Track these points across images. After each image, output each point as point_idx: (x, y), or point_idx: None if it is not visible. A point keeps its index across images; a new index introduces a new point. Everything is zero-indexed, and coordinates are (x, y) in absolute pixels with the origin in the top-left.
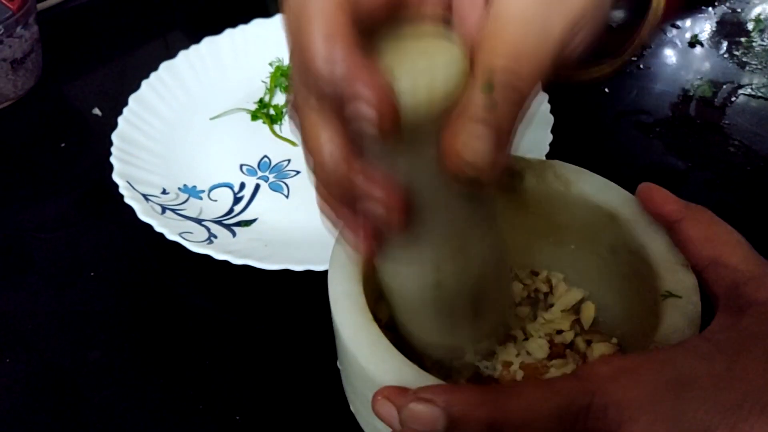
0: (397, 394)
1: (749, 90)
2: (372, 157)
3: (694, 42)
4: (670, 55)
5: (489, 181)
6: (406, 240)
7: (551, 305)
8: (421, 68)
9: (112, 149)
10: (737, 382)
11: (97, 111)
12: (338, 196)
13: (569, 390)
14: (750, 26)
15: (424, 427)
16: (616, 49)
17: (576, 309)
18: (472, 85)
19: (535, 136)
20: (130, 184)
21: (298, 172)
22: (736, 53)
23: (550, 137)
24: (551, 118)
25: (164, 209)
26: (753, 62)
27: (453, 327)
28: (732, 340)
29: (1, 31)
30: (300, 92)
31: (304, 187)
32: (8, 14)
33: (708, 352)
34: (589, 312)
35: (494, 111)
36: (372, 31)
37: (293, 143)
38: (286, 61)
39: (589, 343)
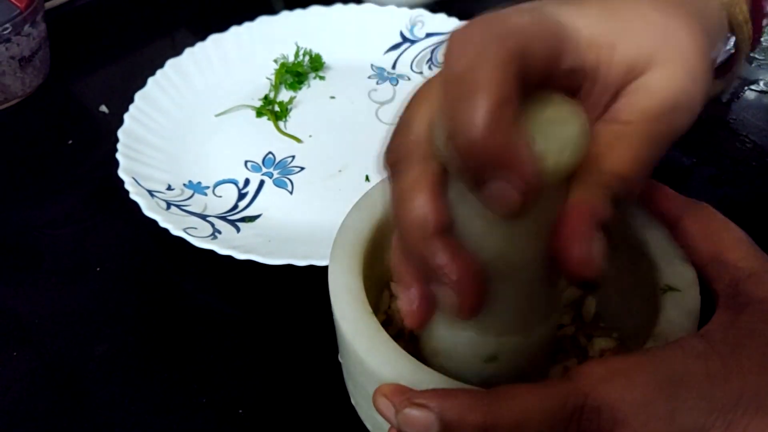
0: (396, 393)
1: (757, 86)
2: (462, 228)
3: None
4: None
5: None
6: None
7: None
8: (554, 134)
9: (118, 146)
10: (732, 381)
11: (104, 108)
12: (414, 264)
13: (562, 392)
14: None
15: (419, 431)
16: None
17: (577, 304)
18: (596, 186)
19: None
20: (136, 180)
21: (302, 169)
22: None
23: None
24: None
25: (169, 205)
26: (760, 58)
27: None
28: (729, 338)
29: (9, 29)
30: (408, 147)
31: (308, 183)
32: (16, 12)
33: (704, 351)
34: (589, 307)
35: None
36: None
37: (297, 139)
38: (291, 58)
39: (590, 337)
